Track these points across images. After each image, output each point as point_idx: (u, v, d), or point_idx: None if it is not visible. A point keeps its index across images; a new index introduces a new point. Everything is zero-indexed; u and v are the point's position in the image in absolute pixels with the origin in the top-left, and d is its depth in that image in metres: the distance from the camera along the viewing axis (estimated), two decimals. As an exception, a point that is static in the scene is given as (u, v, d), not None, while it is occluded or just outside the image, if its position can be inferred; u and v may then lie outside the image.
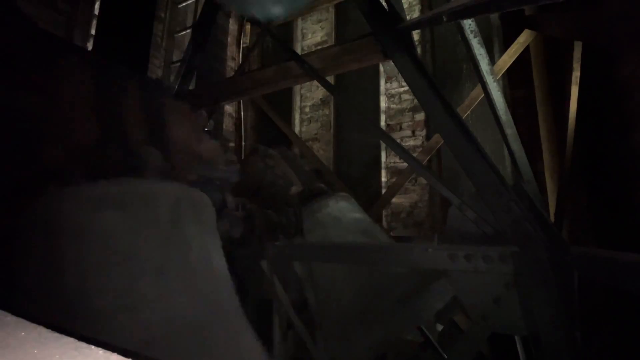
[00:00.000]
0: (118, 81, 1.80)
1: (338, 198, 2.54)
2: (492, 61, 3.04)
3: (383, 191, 4.01)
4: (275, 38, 3.43)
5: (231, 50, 5.34)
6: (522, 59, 3.15)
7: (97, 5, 3.95)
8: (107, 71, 1.78)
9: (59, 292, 1.03)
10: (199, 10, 2.70)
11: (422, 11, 4.26)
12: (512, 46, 3.15)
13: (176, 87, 2.59)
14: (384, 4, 1.61)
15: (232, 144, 5.12)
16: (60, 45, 1.74)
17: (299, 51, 5.06)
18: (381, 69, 4.35)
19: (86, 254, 1.09)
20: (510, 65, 3.14)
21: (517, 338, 2.07)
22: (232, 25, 5.41)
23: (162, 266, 1.18)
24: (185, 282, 1.21)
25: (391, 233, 3.87)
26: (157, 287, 1.12)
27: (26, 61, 1.43)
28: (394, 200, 3.87)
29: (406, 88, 4.10)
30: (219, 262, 1.46)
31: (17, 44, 1.42)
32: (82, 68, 1.62)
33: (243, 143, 5.21)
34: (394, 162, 4.12)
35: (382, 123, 4.26)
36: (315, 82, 4.04)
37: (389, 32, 1.56)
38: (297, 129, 4.92)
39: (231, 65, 5.29)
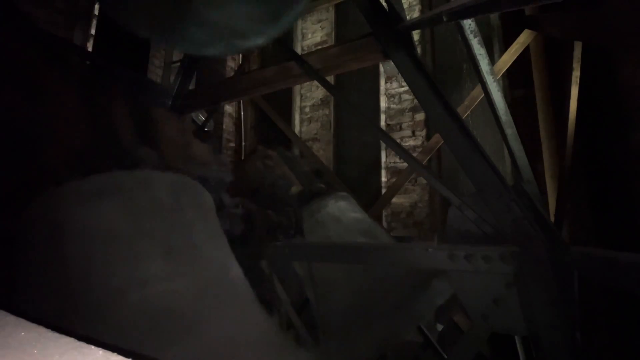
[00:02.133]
0: (115, 83, 1.80)
1: (338, 198, 2.54)
2: (492, 61, 3.04)
3: (383, 191, 4.01)
4: (275, 38, 3.43)
5: (231, 50, 5.34)
6: (522, 59, 3.15)
7: (97, 5, 3.95)
8: (104, 73, 1.78)
9: (61, 290, 1.03)
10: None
11: (422, 11, 4.26)
12: (512, 46, 3.15)
13: (176, 87, 2.59)
14: (384, 4, 1.61)
15: (232, 144, 5.12)
16: (60, 45, 1.74)
17: (299, 51, 5.06)
18: (381, 69, 4.35)
19: (89, 242, 1.09)
20: (510, 65, 3.14)
21: (517, 338, 2.07)
22: (232, 25, 5.40)
23: (167, 249, 1.18)
24: (191, 260, 1.21)
25: (391, 233, 3.87)
26: (163, 269, 1.12)
27: (26, 61, 1.43)
28: (394, 200, 3.87)
29: (406, 88, 4.10)
30: (221, 241, 1.47)
31: (17, 44, 1.42)
32: (80, 70, 1.63)
33: (243, 143, 5.21)
34: (394, 162, 4.12)
35: (382, 123, 4.26)
36: (315, 82, 4.04)
37: (389, 32, 1.56)
38: (297, 129, 4.92)
39: (231, 65, 5.29)
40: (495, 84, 1.56)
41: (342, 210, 2.43)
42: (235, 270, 1.40)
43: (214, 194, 2.01)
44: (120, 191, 1.18)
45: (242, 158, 4.88)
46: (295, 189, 2.66)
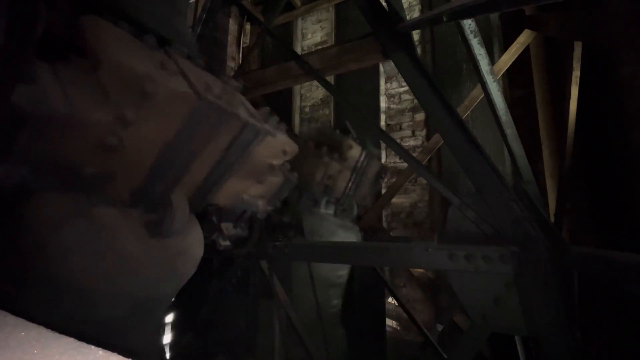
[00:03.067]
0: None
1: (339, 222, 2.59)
2: (492, 61, 3.04)
3: (383, 191, 4.01)
4: (275, 38, 3.43)
5: (231, 50, 5.34)
6: (522, 59, 3.15)
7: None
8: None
9: (59, 290, 1.03)
10: (199, 10, 2.70)
11: (422, 11, 4.26)
12: (512, 46, 3.15)
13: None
14: (384, 4, 1.61)
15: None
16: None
17: (299, 51, 5.06)
18: (381, 69, 4.35)
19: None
20: (510, 65, 3.14)
21: (517, 338, 2.07)
22: (232, 25, 5.40)
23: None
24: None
25: (391, 233, 3.87)
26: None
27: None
28: (394, 200, 3.87)
29: (406, 88, 4.10)
30: None
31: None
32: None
33: (243, 143, 5.21)
34: (394, 162, 4.12)
35: (382, 123, 4.26)
36: (315, 82, 4.04)
37: (389, 32, 1.56)
38: (297, 129, 4.92)
39: (231, 65, 5.29)
40: (495, 84, 1.56)
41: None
42: None
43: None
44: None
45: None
46: (310, 190, 2.63)
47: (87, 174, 0.98)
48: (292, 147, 1.52)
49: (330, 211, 2.70)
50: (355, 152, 2.84)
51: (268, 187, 1.61)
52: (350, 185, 2.81)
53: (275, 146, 1.44)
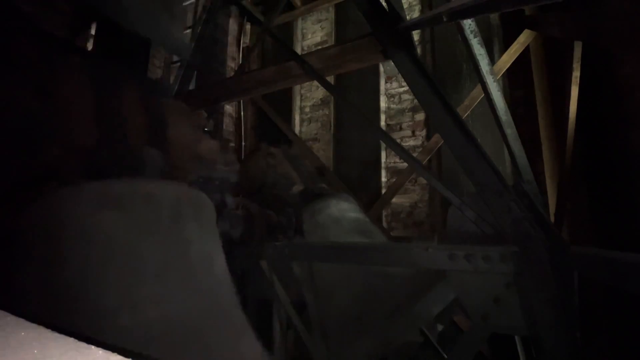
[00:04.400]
0: (117, 81, 1.80)
1: (339, 199, 2.54)
2: (492, 61, 3.04)
3: (383, 191, 4.01)
4: (275, 38, 3.43)
5: (231, 50, 5.34)
6: (522, 59, 3.15)
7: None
8: (106, 71, 1.77)
9: (59, 292, 1.03)
10: (199, 10, 2.70)
11: (422, 11, 4.26)
12: (512, 46, 3.15)
13: (176, 87, 2.59)
14: (384, 4, 1.61)
15: (232, 144, 5.12)
16: (60, 45, 1.74)
17: (299, 51, 5.06)
18: (381, 69, 4.35)
19: (87, 254, 1.09)
20: (510, 65, 3.14)
21: (517, 338, 2.07)
22: (232, 25, 5.40)
23: (163, 266, 1.17)
24: (186, 282, 1.21)
25: (391, 233, 3.87)
26: (157, 287, 1.12)
27: (26, 61, 1.43)
28: (394, 200, 3.87)
29: (406, 88, 4.09)
30: (219, 262, 1.46)
31: (17, 43, 1.42)
32: (81, 68, 1.62)
33: (243, 143, 5.21)
34: (394, 162, 4.11)
35: (382, 123, 4.26)
36: (315, 82, 4.04)
37: (389, 32, 1.56)
38: (297, 129, 4.92)
39: (231, 65, 5.29)
40: (495, 84, 1.56)
41: (342, 211, 2.42)
42: (229, 296, 1.39)
43: (218, 194, 2.01)
44: (120, 204, 1.17)
45: (243, 157, 4.88)
46: (297, 188, 2.64)
47: None
48: None
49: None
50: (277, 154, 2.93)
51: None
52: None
53: None
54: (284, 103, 5.01)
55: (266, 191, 2.60)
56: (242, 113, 5.29)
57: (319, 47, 4.82)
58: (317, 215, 2.33)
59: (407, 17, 1.68)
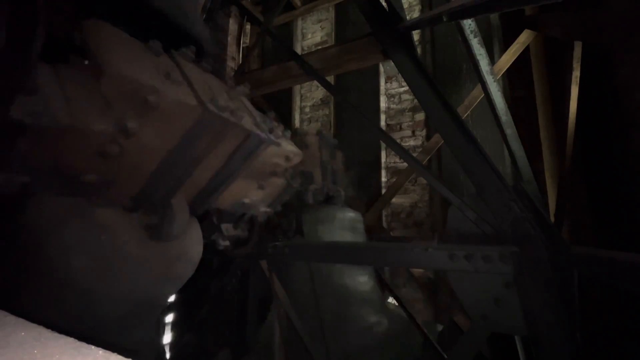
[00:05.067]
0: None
1: (345, 211, 2.54)
2: (492, 61, 3.04)
3: (383, 191, 4.01)
4: (275, 38, 3.43)
5: (231, 50, 5.34)
6: (522, 59, 3.15)
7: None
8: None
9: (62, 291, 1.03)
10: (199, 11, 2.70)
11: (422, 11, 4.26)
12: (512, 46, 3.14)
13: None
14: (384, 4, 1.61)
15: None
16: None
17: (299, 51, 5.06)
18: (381, 69, 4.35)
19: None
20: (510, 65, 3.14)
21: (517, 338, 2.07)
22: (232, 25, 5.40)
23: None
24: None
25: (391, 233, 3.87)
26: None
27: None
28: (394, 200, 3.87)
29: (406, 88, 4.09)
30: None
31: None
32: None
33: (243, 143, 5.20)
34: (394, 162, 4.11)
35: (382, 123, 4.26)
36: (315, 82, 4.04)
37: (389, 32, 1.56)
38: (297, 129, 4.92)
39: (231, 65, 5.29)
40: (495, 84, 1.56)
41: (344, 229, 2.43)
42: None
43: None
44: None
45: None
46: (313, 186, 2.56)
47: (86, 180, 0.98)
48: (296, 154, 1.52)
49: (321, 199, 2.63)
50: (312, 138, 2.75)
51: (269, 191, 1.61)
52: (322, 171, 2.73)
53: (279, 154, 1.44)
54: (284, 103, 5.01)
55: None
56: (242, 113, 5.29)
57: (319, 47, 4.82)
58: (320, 225, 2.34)
59: (407, 17, 1.68)
